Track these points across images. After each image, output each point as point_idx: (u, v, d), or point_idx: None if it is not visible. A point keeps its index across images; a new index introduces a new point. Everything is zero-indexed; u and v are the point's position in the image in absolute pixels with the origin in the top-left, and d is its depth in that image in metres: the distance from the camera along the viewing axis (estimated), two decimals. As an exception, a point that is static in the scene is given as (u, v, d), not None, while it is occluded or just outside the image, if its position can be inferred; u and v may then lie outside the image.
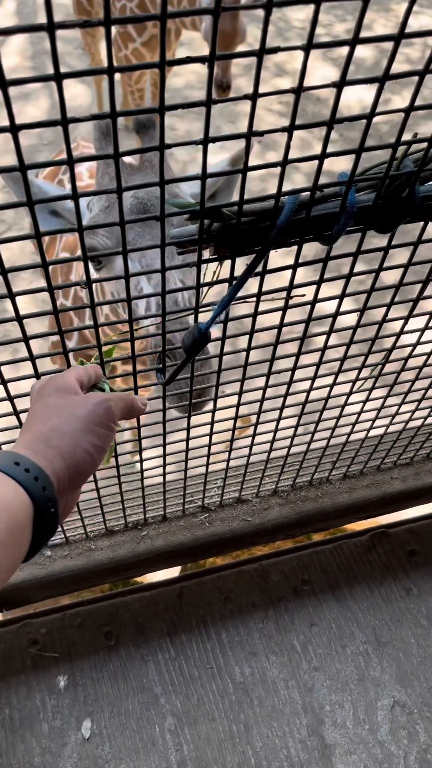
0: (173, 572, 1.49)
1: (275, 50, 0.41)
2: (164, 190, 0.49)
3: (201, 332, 0.63)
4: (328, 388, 0.88)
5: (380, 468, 1.16)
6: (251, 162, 0.56)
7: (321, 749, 1.06)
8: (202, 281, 0.62)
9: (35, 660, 1.10)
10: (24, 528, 0.47)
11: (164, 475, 0.96)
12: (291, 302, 0.69)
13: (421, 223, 0.64)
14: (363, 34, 0.42)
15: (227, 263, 0.60)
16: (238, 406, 0.85)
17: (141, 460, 0.89)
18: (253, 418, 0.90)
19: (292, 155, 0.50)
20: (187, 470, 0.96)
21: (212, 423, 0.86)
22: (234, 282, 0.60)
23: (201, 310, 0.64)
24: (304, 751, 1.05)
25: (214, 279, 0.63)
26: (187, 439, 0.87)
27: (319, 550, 1.24)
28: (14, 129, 0.40)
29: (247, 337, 0.72)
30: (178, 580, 1.20)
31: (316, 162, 0.51)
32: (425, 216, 0.62)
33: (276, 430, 0.93)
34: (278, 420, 0.91)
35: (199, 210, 0.53)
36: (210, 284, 0.63)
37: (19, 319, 0.59)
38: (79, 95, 3.97)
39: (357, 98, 4.06)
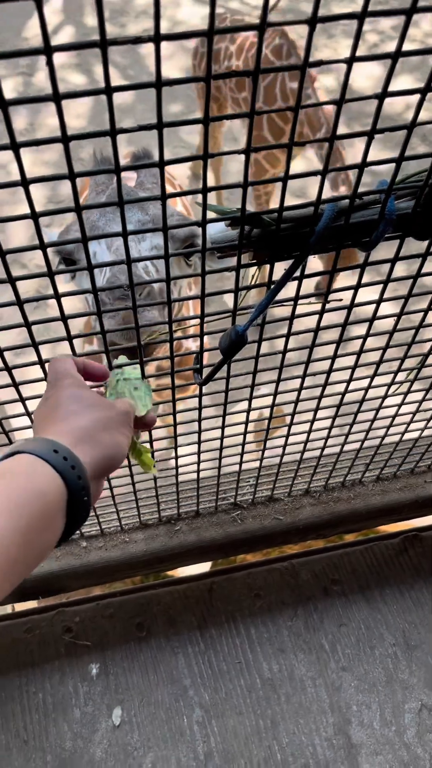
0: (203, 567, 1.51)
1: (318, 63, 0.42)
2: (165, 205, 0.50)
3: (238, 334, 0.64)
4: (363, 391, 0.88)
5: (414, 471, 1.16)
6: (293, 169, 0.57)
7: (347, 748, 1.06)
8: (240, 285, 0.63)
9: (69, 647, 1.13)
10: (57, 514, 0.49)
11: (198, 471, 0.98)
12: (328, 306, 0.69)
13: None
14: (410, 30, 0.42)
15: (266, 268, 0.62)
16: (272, 406, 0.86)
17: (176, 456, 0.91)
18: (288, 418, 0.91)
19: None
20: (220, 467, 0.98)
21: (246, 422, 0.88)
22: (272, 286, 0.61)
23: (239, 312, 0.66)
24: (330, 750, 1.06)
25: (252, 283, 0.65)
26: (222, 438, 0.89)
27: (350, 551, 1.25)
28: (66, 140, 0.42)
29: (284, 339, 0.73)
30: (208, 575, 1.22)
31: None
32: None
33: (310, 431, 0.94)
34: (312, 421, 0.92)
35: (240, 216, 0.54)
36: (248, 288, 0.64)
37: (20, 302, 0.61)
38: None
39: (403, 100, 4.01)
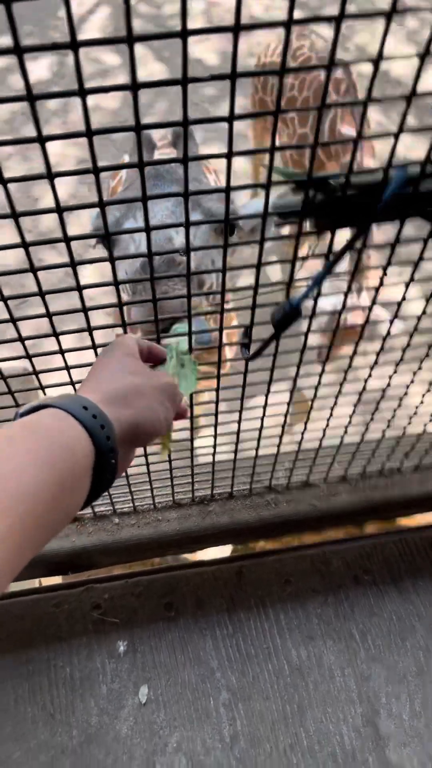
0: (225, 551, 1.49)
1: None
2: (188, 201, 0.48)
3: (293, 307, 0.62)
4: (409, 379, 0.86)
5: (454, 461, 1.13)
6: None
7: (375, 739, 1.05)
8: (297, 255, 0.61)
9: (97, 624, 1.13)
10: (84, 474, 0.46)
11: (236, 452, 0.96)
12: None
13: None
14: None
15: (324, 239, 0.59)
16: (317, 387, 0.84)
17: (215, 435, 0.89)
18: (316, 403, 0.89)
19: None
20: (258, 449, 0.96)
21: (289, 402, 0.86)
22: (330, 257, 0.59)
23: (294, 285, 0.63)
24: (358, 739, 1.05)
25: (310, 254, 0.62)
26: (263, 417, 0.87)
27: (383, 541, 1.22)
28: (89, 133, 0.40)
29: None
30: (238, 558, 1.21)
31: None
32: None
33: (352, 415, 0.92)
34: (355, 405, 0.89)
35: (306, 180, 0.52)
36: (302, 259, 0.62)
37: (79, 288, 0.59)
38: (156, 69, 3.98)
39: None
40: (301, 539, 1.29)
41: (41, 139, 0.42)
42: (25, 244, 0.50)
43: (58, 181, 0.44)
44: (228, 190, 0.50)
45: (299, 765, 1.02)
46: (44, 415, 0.47)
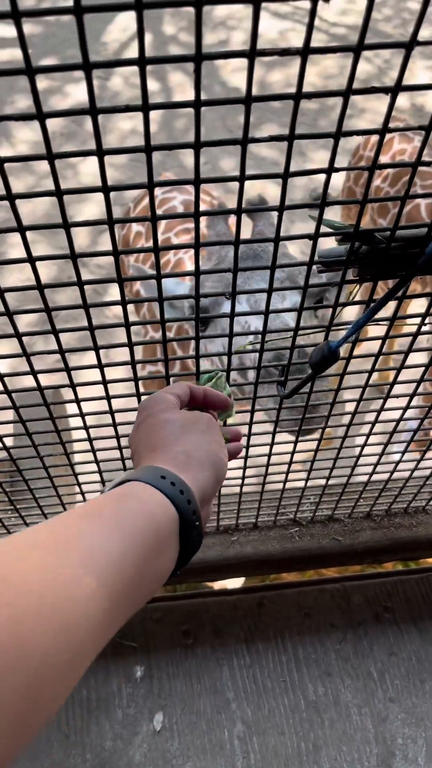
0: (237, 582, 1.49)
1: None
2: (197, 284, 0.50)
3: (331, 350, 0.64)
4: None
5: None
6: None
7: (390, 782, 1.03)
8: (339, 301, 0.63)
9: (115, 647, 1.14)
10: (170, 539, 0.48)
11: (263, 484, 0.97)
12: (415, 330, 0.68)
13: None
14: None
15: (365, 286, 0.61)
16: (349, 425, 0.85)
17: (245, 467, 0.90)
18: (337, 441, 0.89)
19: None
20: (286, 482, 0.97)
21: (320, 439, 0.87)
22: (372, 304, 0.61)
23: (333, 328, 0.65)
24: (372, 782, 1.03)
25: (351, 299, 0.64)
26: (293, 452, 0.88)
27: (404, 579, 1.22)
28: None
29: (372, 359, 0.72)
30: (259, 589, 1.21)
31: None
32: None
33: (382, 454, 0.92)
34: (386, 444, 0.90)
35: (352, 232, 0.53)
36: (345, 304, 0.64)
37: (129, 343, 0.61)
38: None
39: None
40: (323, 573, 1.29)
41: (99, 152, 0.44)
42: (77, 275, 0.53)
43: (87, 201, 0.47)
44: (310, 263, 0.52)
45: (312, 804, 1.01)
46: (124, 488, 0.49)
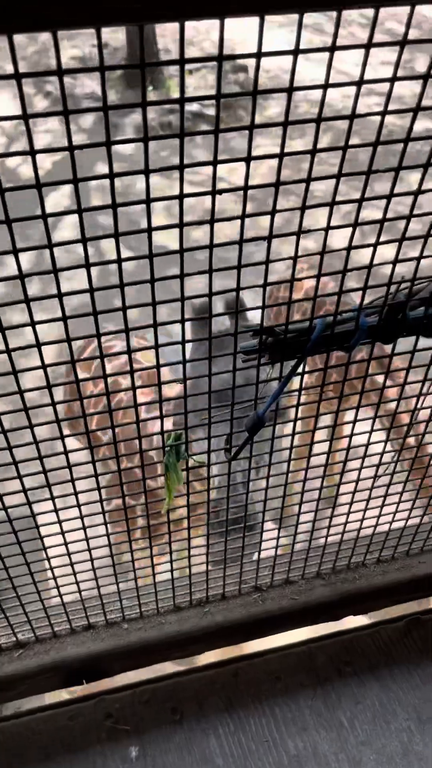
0: (221, 654, 1.59)
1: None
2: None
3: (259, 417, 0.88)
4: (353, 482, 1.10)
5: (409, 553, 1.34)
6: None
7: None
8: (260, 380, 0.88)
9: (110, 732, 1.23)
10: None
11: (225, 559, 1.16)
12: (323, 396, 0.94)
13: (413, 336, 0.90)
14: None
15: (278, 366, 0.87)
16: (284, 495, 1.07)
17: (207, 545, 1.10)
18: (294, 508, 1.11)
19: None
20: (243, 555, 1.17)
21: (264, 511, 1.08)
22: (281, 380, 0.86)
23: (259, 401, 0.90)
24: None
25: (268, 377, 0.90)
26: (244, 536, 1.09)
27: (358, 635, 1.38)
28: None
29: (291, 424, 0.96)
30: (233, 660, 1.34)
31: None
32: (415, 332, 0.89)
33: (315, 520, 1.14)
34: (315, 511, 1.12)
35: (259, 329, 0.80)
36: (265, 381, 0.89)
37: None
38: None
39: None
40: (288, 638, 1.43)
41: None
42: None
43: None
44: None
45: None
46: None
